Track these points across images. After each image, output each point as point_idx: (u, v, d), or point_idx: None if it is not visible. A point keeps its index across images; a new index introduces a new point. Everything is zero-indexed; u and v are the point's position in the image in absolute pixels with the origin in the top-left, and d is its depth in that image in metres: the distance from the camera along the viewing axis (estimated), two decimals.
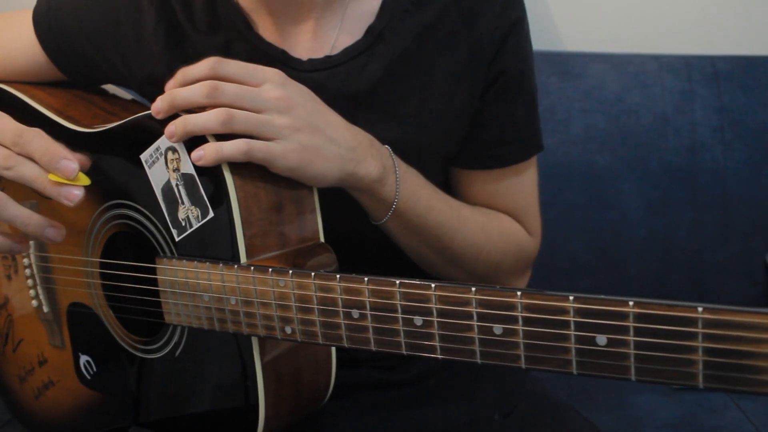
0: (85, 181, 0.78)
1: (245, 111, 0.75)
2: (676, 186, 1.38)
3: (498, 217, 0.98)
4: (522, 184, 0.99)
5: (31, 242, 0.96)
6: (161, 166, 0.79)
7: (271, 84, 0.77)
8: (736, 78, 1.41)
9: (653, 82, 1.41)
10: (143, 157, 0.80)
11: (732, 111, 1.39)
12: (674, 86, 1.40)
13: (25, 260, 0.98)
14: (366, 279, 0.67)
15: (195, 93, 0.75)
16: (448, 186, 0.99)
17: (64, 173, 0.77)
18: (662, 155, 1.38)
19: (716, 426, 1.20)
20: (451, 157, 0.96)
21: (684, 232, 1.38)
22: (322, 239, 0.82)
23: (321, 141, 0.77)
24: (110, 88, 1.07)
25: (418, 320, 0.65)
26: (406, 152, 0.87)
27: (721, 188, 1.38)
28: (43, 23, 1.00)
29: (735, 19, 1.50)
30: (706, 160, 1.38)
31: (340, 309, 0.69)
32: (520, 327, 0.60)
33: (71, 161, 0.77)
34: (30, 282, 0.98)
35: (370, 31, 0.89)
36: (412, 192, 0.86)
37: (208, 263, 0.76)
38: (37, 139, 0.78)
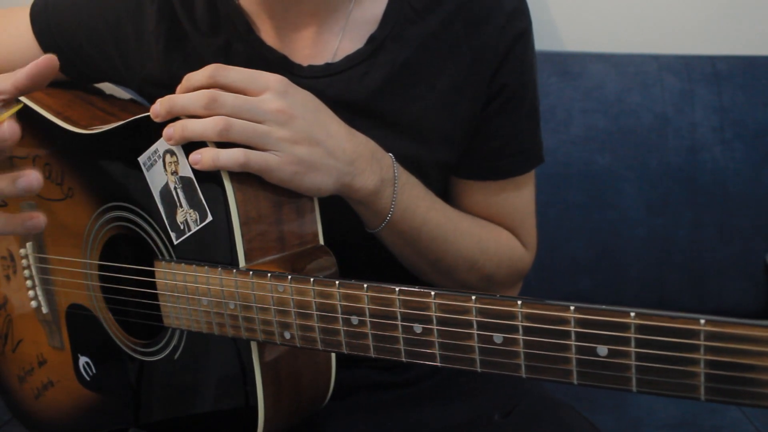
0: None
1: (244, 121, 0.74)
2: (676, 186, 1.38)
3: (495, 230, 0.98)
4: (520, 197, 0.99)
5: (29, 243, 0.96)
6: (159, 169, 0.78)
7: (271, 93, 0.76)
8: (736, 78, 1.41)
9: (653, 82, 1.40)
10: (141, 159, 0.80)
11: (732, 111, 1.39)
12: (674, 86, 1.40)
13: (24, 261, 0.98)
14: (365, 285, 0.67)
15: (193, 102, 0.74)
16: (446, 194, 0.98)
17: None
18: (662, 155, 1.38)
19: (716, 426, 1.20)
20: (451, 167, 0.96)
21: (684, 232, 1.38)
22: (321, 242, 0.82)
23: (319, 154, 0.77)
24: (109, 87, 1.07)
25: (417, 328, 0.65)
26: (406, 162, 0.87)
27: (721, 188, 1.38)
28: (41, 21, 0.99)
29: (735, 19, 1.49)
30: (706, 160, 1.38)
31: (340, 315, 0.69)
32: (520, 336, 0.60)
33: None
34: (29, 283, 0.98)
35: (372, 39, 0.89)
36: (409, 204, 0.86)
37: (206, 267, 0.76)
38: None
